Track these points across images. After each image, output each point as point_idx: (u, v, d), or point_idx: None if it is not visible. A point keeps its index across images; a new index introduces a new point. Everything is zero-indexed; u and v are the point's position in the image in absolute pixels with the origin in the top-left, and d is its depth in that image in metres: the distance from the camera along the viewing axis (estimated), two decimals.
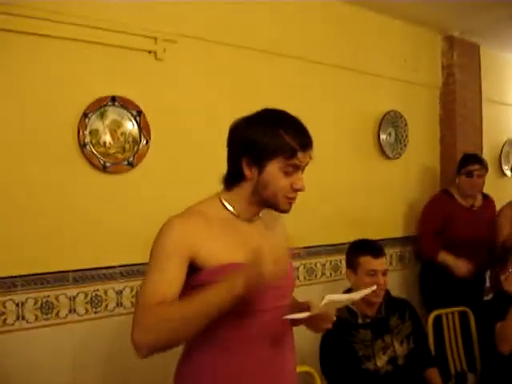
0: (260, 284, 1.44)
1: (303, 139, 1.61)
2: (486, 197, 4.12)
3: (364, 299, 2.65)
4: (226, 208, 1.67)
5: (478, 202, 4.05)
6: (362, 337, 2.63)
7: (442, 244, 3.87)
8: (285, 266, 1.49)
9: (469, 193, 3.96)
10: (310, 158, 1.65)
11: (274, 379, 1.67)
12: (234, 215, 1.67)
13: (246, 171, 1.61)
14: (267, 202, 1.65)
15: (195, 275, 1.58)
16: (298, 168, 1.62)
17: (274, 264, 1.43)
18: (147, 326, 1.46)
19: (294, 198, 1.64)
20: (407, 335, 2.74)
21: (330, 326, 1.70)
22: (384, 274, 2.67)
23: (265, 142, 1.57)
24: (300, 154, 1.59)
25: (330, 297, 1.57)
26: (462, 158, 4.04)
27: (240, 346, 1.61)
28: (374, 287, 1.93)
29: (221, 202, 1.68)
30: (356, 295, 1.78)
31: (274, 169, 1.59)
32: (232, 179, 1.68)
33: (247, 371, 1.62)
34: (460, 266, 3.77)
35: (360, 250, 2.74)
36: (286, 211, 1.67)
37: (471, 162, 3.91)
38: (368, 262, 2.67)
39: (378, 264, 2.66)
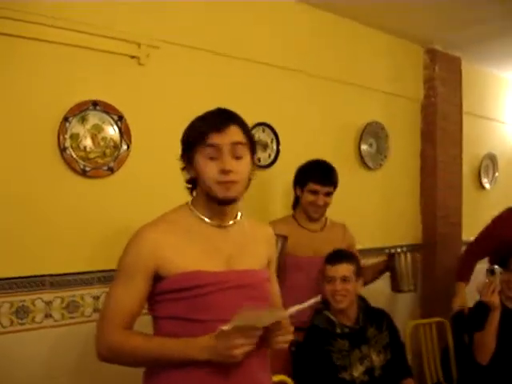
0: (226, 361, 1.50)
1: (215, 120, 1.66)
2: None
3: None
4: (195, 214, 1.69)
5: None
6: (339, 346, 2.64)
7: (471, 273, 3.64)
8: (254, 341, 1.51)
9: None
10: (240, 142, 1.66)
11: None
12: (204, 220, 1.69)
13: (190, 170, 1.72)
14: (209, 195, 1.66)
15: (158, 284, 1.62)
16: (220, 149, 1.63)
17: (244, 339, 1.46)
18: (111, 347, 1.59)
19: (227, 182, 1.63)
20: (384, 346, 2.76)
21: (284, 339, 1.62)
22: (344, 280, 2.71)
23: (186, 138, 1.71)
24: (213, 135, 1.63)
25: (248, 312, 1.45)
26: None
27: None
28: (319, 298, 1.68)
29: (190, 208, 1.70)
30: (287, 311, 1.58)
31: (198, 158, 1.66)
32: (190, 182, 1.77)
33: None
34: (455, 301, 3.46)
35: (325, 259, 2.82)
36: (225, 199, 1.65)
37: None
38: (327, 269, 2.77)
39: (334, 271, 2.73)
